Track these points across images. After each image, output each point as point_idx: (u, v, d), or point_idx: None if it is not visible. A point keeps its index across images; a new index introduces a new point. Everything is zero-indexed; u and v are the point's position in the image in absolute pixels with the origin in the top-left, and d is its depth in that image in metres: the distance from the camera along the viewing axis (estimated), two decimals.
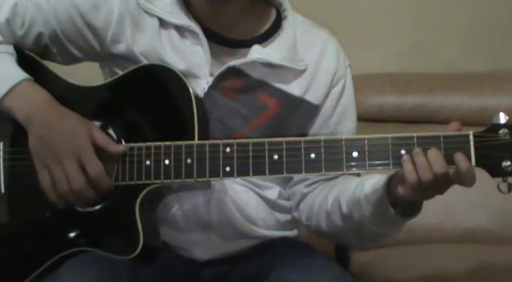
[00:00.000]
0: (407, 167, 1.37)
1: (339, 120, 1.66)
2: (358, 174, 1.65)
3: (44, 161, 1.50)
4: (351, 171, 1.41)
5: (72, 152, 1.48)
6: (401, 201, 1.43)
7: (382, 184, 1.45)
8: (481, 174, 1.38)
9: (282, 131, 1.57)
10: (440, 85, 2.45)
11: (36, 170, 1.52)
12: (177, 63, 1.57)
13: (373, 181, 1.50)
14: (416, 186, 1.37)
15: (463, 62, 2.60)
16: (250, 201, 1.64)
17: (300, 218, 1.69)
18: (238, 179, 1.61)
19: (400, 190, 1.41)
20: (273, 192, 1.68)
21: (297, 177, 1.67)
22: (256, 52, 1.59)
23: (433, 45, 2.62)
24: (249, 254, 1.64)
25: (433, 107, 2.42)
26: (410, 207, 1.45)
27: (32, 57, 1.63)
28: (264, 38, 1.63)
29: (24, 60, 1.60)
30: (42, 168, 1.51)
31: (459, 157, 1.36)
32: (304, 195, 1.67)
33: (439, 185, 1.38)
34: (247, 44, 1.61)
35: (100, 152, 1.50)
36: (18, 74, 1.56)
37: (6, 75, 1.55)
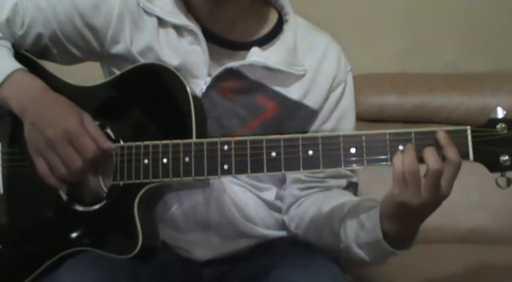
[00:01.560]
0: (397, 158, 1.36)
1: (336, 124, 1.66)
2: (355, 187, 1.67)
3: (37, 148, 1.50)
4: (349, 168, 1.41)
5: (64, 136, 1.47)
6: (391, 228, 1.42)
7: (376, 210, 1.44)
8: (481, 175, 1.38)
9: (279, 134, 1.56)
10: (440, 85, 2.45)
11: (32, 162, 1.52)
12: (173, 62, 1.57)
13: (367, 204, 1.50)
14: (400, 178, 1.35)
15: (463, 62, 2.61)
16: (249, 201, 1.64)
17: (289, 225, 1.68)
18: (236, 180, 1.61)
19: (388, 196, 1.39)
20: (270, 193, 1.68)
21: (292, 177, 1.67)
22: (255, 55, 1.58)
23: (433, 45, 2.62)
24: (249, 254, 1.64)
25: (433, 107, 2.42)
26: (401, 240, 1.44)
27: (28, 58, 1.64)
28: (264, 41, 1.63)
29: (20, 60, 1.60)
30: (37, 156, 1.50)
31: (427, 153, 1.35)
32: (296, 199, 1.67)
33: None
34: (246, 46, 1.61)
35: None
36: (12, 65, 1.56)
37: (0, 67, 1.55)
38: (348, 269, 1.62)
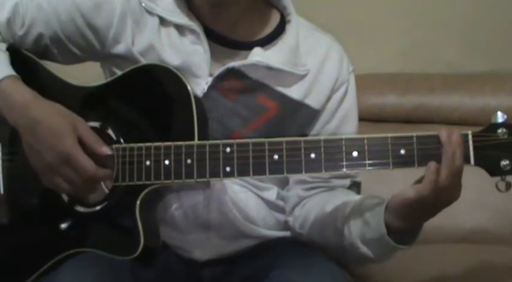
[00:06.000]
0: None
1: (339, 124, 1.66)
2: (359, 187, 1.67)
3: (40, 169, 1.51)
4: (350, 171, 1.42)
5: (61, 158, 1.47)
6: (397, 226, 1.43)
7: (380, 207, 1.45)
8: (480, 175, 1.38)
9: (281, 134, 1.55)
10: (440, 85, 2.45)
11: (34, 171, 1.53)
12: (175, 62, 1.57)
13: (371, 201, 1.51)
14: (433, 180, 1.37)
15: (463, 62, 2.60)
16: (249, 201, 1.64)
17: (293, 225, 1.68)
18: (237, 180, 1.61)
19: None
20: (271, 193, 1.68)
21: (296, 178, 1.68)
22: (257, 55, 1.59)
23: (433, 45, 2.61)
24: (249, 254, 1.64)
25: (433, 107, 2.42)
26: (405, 235, 1.45)
27: (29, 57, 1.63)
28: (266, 41, 1.63)
29: (21, 60, 1.59)
30: (42, 174, 1.51)
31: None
32: (301, 200, 1.67)
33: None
34: (248, 46, 1.61)
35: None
36: (2, 71, 1.53)
37: None
38: (351, 268, 1.63)
